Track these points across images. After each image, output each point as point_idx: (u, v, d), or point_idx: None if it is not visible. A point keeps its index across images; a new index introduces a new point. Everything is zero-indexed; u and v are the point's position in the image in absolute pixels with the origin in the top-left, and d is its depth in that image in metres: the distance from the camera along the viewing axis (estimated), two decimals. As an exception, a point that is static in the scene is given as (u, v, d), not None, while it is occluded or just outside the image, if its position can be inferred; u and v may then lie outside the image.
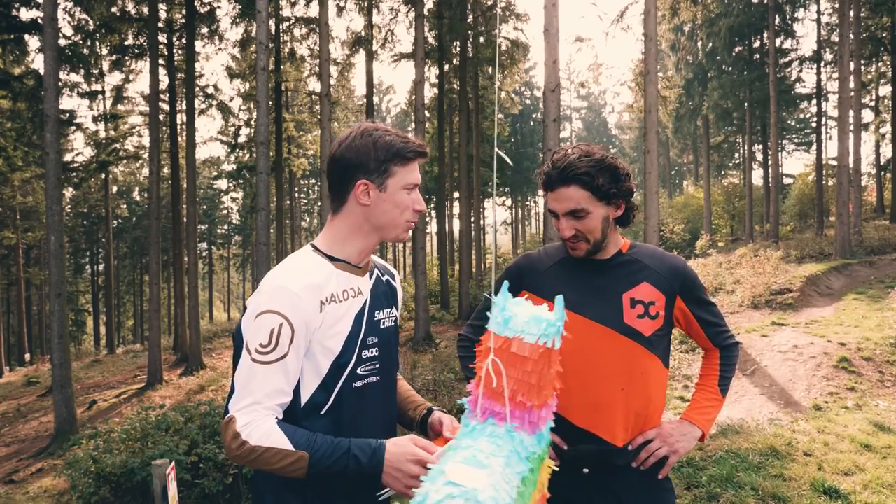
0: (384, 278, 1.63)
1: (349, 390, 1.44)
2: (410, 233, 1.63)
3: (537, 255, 1.89)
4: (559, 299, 1.25)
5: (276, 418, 1.33)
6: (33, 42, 18.02)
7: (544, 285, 1.79)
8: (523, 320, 1.23)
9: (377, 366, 1.51)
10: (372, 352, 1.49)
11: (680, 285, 1.73)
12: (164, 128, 23.82)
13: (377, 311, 1.53)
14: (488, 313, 1.28)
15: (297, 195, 40.37)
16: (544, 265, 1.83)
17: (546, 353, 1.21)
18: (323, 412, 1.41)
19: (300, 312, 1.33)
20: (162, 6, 20.15)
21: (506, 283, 1.33)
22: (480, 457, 1.13)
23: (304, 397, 1.40)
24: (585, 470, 1.71)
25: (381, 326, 1.53)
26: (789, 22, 29.12)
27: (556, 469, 1.65)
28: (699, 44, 33.40)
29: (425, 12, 18.45)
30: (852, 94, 19.12)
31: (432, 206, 32.14)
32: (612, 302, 1.70)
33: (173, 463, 3.87)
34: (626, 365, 1.66)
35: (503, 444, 1.18)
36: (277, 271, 1.40)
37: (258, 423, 1.29)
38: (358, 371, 1.46)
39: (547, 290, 1.77)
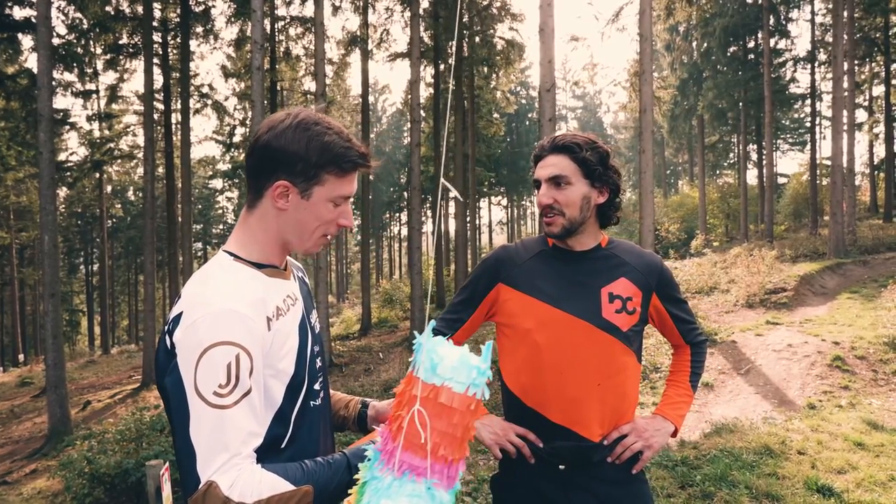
0: (300, 276, 1.43)
1: (308, 411, 1.26)
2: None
3: (515, 248, 1.84)
4: (488, 346, 1.14)
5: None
6: (27, 41, 17.98)
7: (521, 278, 1.76)
8: (451, 366, 1.10)
9: (322, 378, 1.35)
10: (319, 361, 1.32)
11: (656, 282, 1.74)
12: (158, 127, 23.72)
13: (310, 314, 1.35)
14: (422, 346, 1.13)
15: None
16: (522, 258, 1.79)
17: (474, 405, 1.11)
18: (283, 445, 1.20)
19: (254, 337, 1.11)
20: (156, 5, 20.08)
21: (432, 323, 1.23)
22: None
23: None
24: (561, 466, 1.69)
25: (317, 330, 1.36)
26: (783, 22, 29.20)
27: (532, 464, 1.70)
28: (694, 44, 33.49)
29: (421, 12, 18.45)
30: (846, 94, 19.19)
31: (428, 205, 32.11)
32: (590, 296, 1.68)
33: (168, 464, 3.87)
34: (603, 360, 1.65)
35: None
36: (207, 291, 1.14)
37: (245, 476, 1.05)
38: (314, 387, 1.29)
39: (524, 283, 1.75)
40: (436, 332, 1.91)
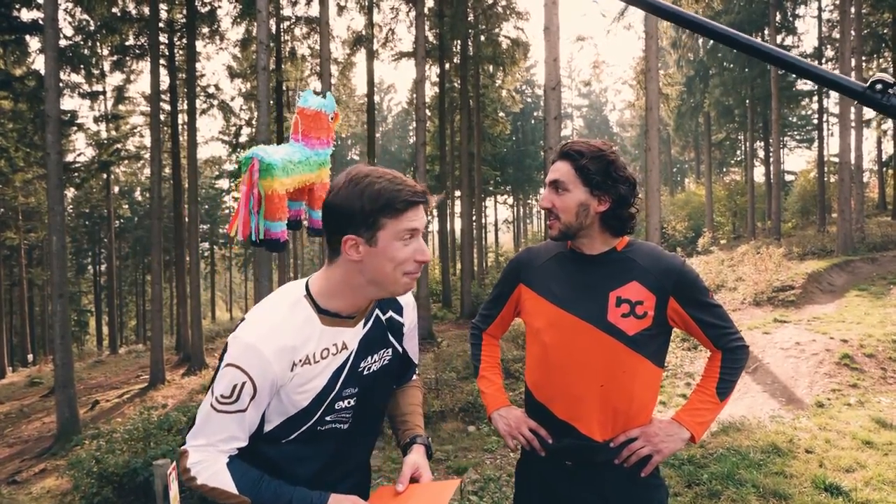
0: (386, 315, 1.55)
1: (313, 432, 1.43)
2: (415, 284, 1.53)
3: (537, 250, 1.92)
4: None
5: (231, 457, 1.36)
6: (34, 43, 18.00)
7: (536, 279, 1.83)
8: (319, 101, 1.83)
9: (350, 415, 1.47)
10: (347, 402, 1.45)
11: (673, 286, 1.68)
12: (165, 128, 23.84)
13: (363, 360, 1.47)
14: None
15: (298, 194, 40.27)
16: (540, 259, 1.86)
17: (317, 114, 1.79)
18: (284, 441, 1.42)
19: (267, 375, 1.31)
20: (163, 6, 20.17)
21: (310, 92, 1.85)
22: (272, 147, 1.72)
23: (268, 427, 1.41)
24: (568, 463, 1.75)
25: (365, 373, 1.47)
26: (790, 19, 29.06)
27: (543, 457, 1.79)
28: (700, 41, 33.34)
29: (426, 11, 18.44)
30: (854, 90, 19.04)
31: (434, 204, 32.05)
32: (597, 299, 1.70)
33: (175, 463, 3.88)
34: (606, 362, 1.67)
35: (297, 149, 1.77)
36: (257, 319, 1.35)
37: (208, 463, 1.33)
38: (326, 419, 1.43)
39: (538, 284, 1.82)
40: (474, 326, 2.11)
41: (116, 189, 37.37)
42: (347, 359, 1.43)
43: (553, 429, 1.76)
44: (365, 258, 1.33)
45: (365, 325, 1.47)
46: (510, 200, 53.36)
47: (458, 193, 28.54)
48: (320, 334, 1.38)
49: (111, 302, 34.26)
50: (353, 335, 1.44)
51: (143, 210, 40.17)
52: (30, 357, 32.55)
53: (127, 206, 40.90)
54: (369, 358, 1.48)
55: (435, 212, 30.36)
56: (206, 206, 44.94)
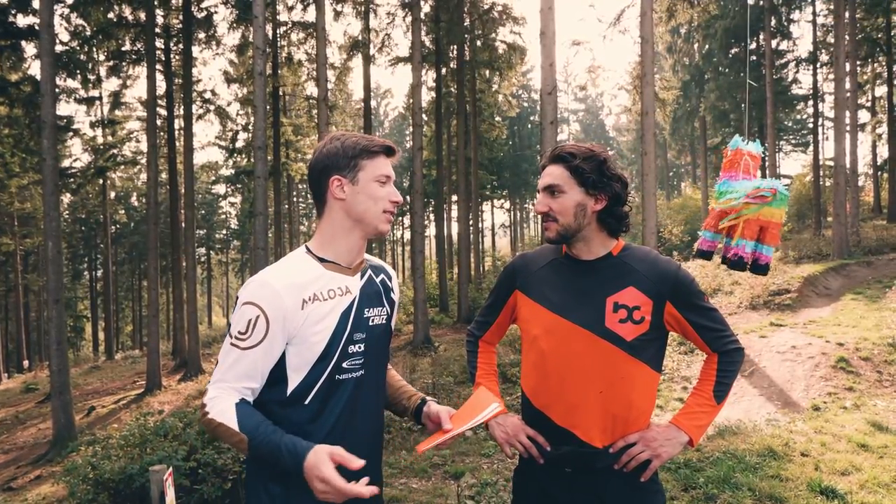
0: (378, 278, 1.74)
1: (332, 382, 1.54)
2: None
3: (531, 256, 1.92)
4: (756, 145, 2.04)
5: (242, 399, 1.46)
6: (30, 48, 18.02)
7: (532, 286, 1.82)
8: (758, 147, 2.00)
9: (362, 361, 1.60)
10: (358, 347, 1.59)
11: (670, 290, 1.69)
12: (161, 133, 23.78)
13: (367, 309, 1.63)
14: None
15: (295, 199, 40.34)
16: (535, 266, 1.86)
17: (758, 157, 1.96)
18: (307, 402, 1.51)
19: (278, 308, 1.45)
20: (159, 12, 20.16)
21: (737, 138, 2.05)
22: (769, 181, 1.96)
23: (290, 386, 1.51)
24: (567, 469, 1.73)
25: (371, 323, 1.63)
26: (785, 23, 29.18)
27: (542, 464, 1.77)
28: (696, 46, 33.46)
29: (422, 16, 18.50)
30: (848, 94, 19.14)
31: (431, 209, 32.11)
32: (594, 305, 1.69)
33: (171, 468, 3.87)
34: (605, 369, 1.66)
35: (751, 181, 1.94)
36: (269, 268, 1.53)
37: (220, 399, 1.44)
38: (343, 365, 1.55)
39: (534, 290, 1.81)
40: (470, 333, 2.10)
41: (112, 194, 37.28)
42: (352, 303, 1.59)
43: (552, 436, 1.75)
44: (349, 196, 1.57)
45: (362, 277, 1.66)
46: (507, 205, 53.44)
47: (454, 198, 28.59)
48: (324, 276, 1.56)
49: (107, 307, 34.14)
50: (353, 283, 1.63)
51: (140, 215, 40.14)
52: (25, 363, 32.39)
53: (123, 212, 40.84)
54: (371, 310, 1.65)
55: (432, 216, 30.39)
56: (203, 212, 44.92)
